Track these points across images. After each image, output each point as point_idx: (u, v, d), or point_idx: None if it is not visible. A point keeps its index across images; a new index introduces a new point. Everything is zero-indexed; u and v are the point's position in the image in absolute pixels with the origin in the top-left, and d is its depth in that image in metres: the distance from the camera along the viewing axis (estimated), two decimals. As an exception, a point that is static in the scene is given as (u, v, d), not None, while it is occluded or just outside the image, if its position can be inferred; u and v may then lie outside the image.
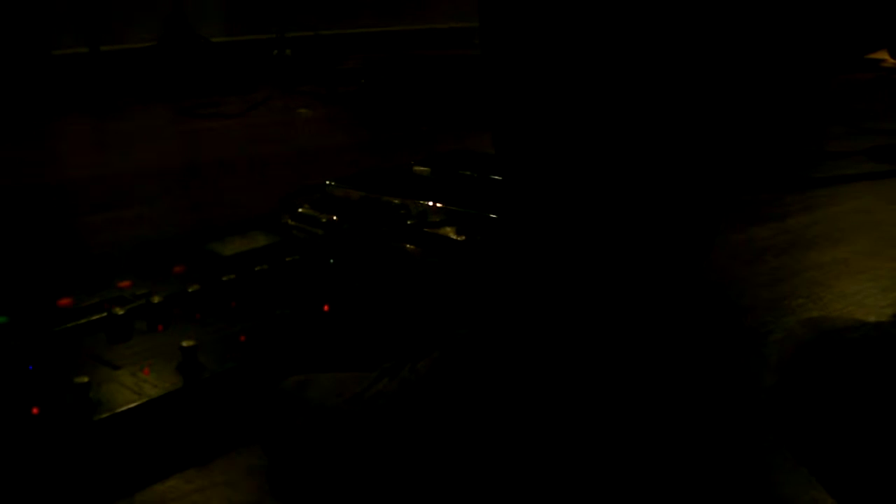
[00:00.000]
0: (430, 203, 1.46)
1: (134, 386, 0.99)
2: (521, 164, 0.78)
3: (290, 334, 1.13)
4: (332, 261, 1.33)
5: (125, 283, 1.24)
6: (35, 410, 0.93)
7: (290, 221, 1.50)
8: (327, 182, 1.62)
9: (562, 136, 0.74)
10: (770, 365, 1.20)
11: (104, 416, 0.94)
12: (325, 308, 1.20)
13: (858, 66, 3.77)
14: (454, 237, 1.38)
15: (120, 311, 1.13)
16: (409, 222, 1.42)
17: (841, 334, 1.06)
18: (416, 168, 1.72)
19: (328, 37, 4.03)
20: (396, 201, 1.51)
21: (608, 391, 0.77)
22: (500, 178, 0.87)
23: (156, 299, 1.16)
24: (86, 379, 0.95)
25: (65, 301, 1.18)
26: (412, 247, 1.38)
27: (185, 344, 1.02)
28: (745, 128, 0.79)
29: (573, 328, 0.77)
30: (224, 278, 1.24)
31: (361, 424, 0.85)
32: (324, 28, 4.02)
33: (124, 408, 0.95)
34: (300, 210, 1.52)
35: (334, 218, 1.47)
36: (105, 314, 1.13)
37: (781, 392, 1.09)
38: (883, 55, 3.86)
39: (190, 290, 1.20)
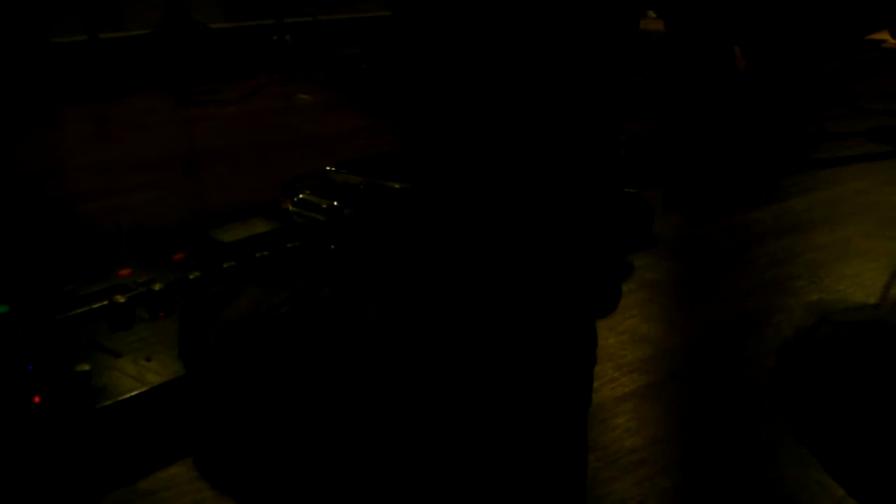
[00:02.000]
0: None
1: (136, 374, 0.99)
2: (422, 155, 0.83)
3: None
4: (332, 246, 1.33)
5: (126, 271, 1.24)
6: (37, 399, 0.93)
7: (290, 207, 1.50)
8: (328, 168, 1.62)
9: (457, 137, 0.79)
10: (771, 347, 1.21)
11: (106, 403, 0.94)
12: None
13: (859, 47, 3.77)
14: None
15: (121, 300, 1.13)
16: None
17: (841, 316, 1.06)
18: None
19: (327, 22, 4.02)
20: (397, 186, 1.51)
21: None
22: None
23: (157, 287, 1.16)
24: (88, 367, 0.95)
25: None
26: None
27: (186, 331, 1.03)
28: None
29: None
30: (225, 265, 1.24)
31: (266, 334, 0.93)
32: (323, 13, 4.01)
33: (126, 395, 0.95)
34: (301, 196, 1.52)
35: (335, 203, 1.47)
36: (106, 302, 1.13)
37: (783, 374, 1.10)
38: (884, 36, 3.85)
39: (191, 277, 1.20)
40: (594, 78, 0.78)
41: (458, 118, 0.78)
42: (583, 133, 0.79)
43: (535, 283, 0.79)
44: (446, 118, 0.79)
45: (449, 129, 0.79)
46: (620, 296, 0.85)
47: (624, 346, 1.22)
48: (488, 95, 0.76)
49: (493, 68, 0.75)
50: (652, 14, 3.18)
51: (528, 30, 0.75)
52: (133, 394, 0.96)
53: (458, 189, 0.79)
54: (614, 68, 0.79)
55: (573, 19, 0.76)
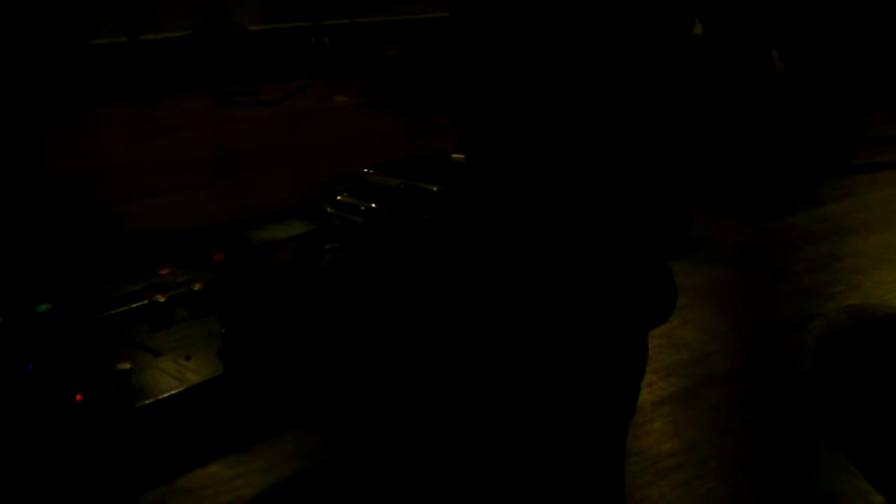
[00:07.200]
0: (468, 190, 1.46)
1: (176, 372, 1.00)
2: (483, 152, 0.83)
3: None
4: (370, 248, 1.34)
5: (165, 271, 1.25)
6: (79, 397, 0.94)
7: (328, 209, 1.50)
8: (366, 170, 1.63)
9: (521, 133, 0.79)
10: (808, 352, 1.20)
11: (146, 402, 0.95)
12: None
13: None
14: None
15: (161, 299, 1.14)
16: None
17: (879, 322, 1.06)
18: (455, 155, 1.72)
19: (365, 24, 4.03)
20: (435, 188, 1.51)
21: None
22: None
23: (197, 287, 1.17)
24: (128, 366, 0.96)
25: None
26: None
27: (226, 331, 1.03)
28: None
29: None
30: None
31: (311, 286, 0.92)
32: (361, 16, 4.02)
33: (166, 394, 0.96)
34: (339, 197, 1.52)
35: (373, 205, 1.47)
36: (146, 301, 1.14)
37: (820, 379, 1.09)
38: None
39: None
40: (649, 82, 0.78)
41: (513, 116, 0.78)
42: (639, 138, 0.79)
43: (583, 287, 0.79)
44: (502, 116, 0.79)
45: (506, 126, 0.79)
46: (674, 306, 0.84)
47: (661, 351, 1.22)
48: (541, 99, 0.76)
49: (547, 73, 0.76)
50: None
51: (585, 36, 0.75)
52: (172, 392, 0.97)
53: (511, 189, 0.79)
54: (668, 76, 0.79)
55: (625, 23, 0.76)
